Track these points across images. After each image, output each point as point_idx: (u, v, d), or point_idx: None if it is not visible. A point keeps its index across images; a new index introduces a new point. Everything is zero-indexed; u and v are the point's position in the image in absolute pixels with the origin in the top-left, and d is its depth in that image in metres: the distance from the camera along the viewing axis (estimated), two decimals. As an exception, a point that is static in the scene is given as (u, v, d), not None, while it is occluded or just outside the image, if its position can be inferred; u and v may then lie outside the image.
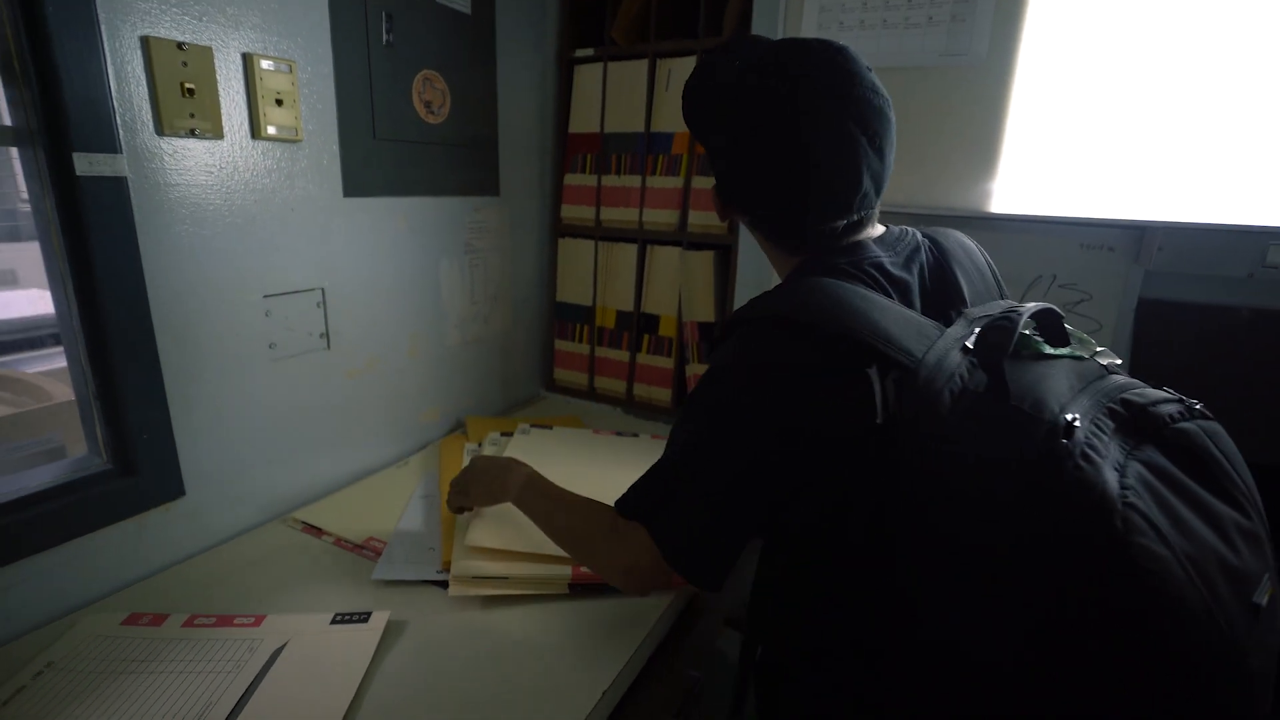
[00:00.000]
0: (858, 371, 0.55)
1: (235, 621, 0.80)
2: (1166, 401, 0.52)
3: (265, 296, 0.97)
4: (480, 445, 1.27)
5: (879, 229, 0.71)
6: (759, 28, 1.18)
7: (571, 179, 1.52)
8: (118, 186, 0.78)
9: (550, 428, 1.36)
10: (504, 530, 0.91)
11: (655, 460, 0.69)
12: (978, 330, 0.55)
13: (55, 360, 1.55)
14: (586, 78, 1.47)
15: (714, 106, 0.69)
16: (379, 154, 1.11)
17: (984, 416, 0.50)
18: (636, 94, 1.40)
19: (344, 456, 1.15)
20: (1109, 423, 0.49)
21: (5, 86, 0.71)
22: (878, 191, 0.66)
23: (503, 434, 1.31)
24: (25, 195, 0.83)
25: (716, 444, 0.62)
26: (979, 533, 0.48)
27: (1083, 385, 0.52)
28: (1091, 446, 0.46)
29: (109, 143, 0.76)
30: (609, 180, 1.47)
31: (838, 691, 0.63)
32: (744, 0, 1.27)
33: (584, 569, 0.87)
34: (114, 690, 0.69)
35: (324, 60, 1.00)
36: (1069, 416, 0.47)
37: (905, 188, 1.07)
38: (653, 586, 0.76)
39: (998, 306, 0.63)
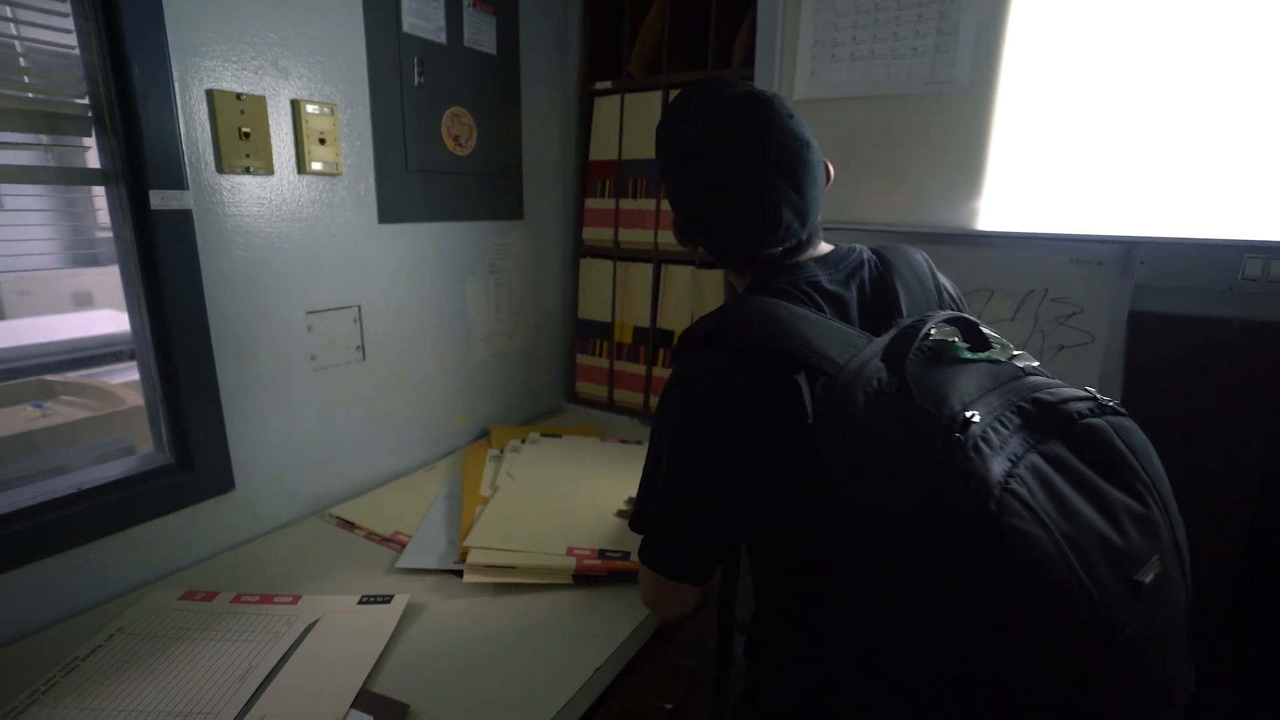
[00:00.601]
0: (788, 379, 0.62)
1: (275, 600, 0.90)
2: (1078, 400, 0.56)
3: (308, 313, 1.09)
4: (502, 452, 1.36)
5: (825, 248, 0.78)
6: (760, 60, 1.26)
7: (592, 203, 1.62)
8: (185, 218, 0.90)
9: (560, 436, 1.45)
10: (504, 529, 1.00)
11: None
12: (891, 339, 0.61)
13: (126, 373, 1.72)
14: (606, 109, 1.58)
15: (665, 153, 0.78)
16: (411, 184, 1.23)
17: (892, 415, 0.55)
18: (651, 123, 1.48)
19: (376, 459, 1.25)
20: (1015, 419, 0.54)
21: (98, 136, 0.84)
22: (803, 222, 0.73)
23: (522, 441, 1.40)
24: (102, 226, 0.97)
25: (676, 454, 0.69)
26: (891, 527, 0.54)
27: (994, 385, 0.57)
28: (985, 439, 0.51)
29: (178, 180, 0.89)
30: (626, 204, 1.56)
31: (801, 676, 0.69)
32: (748, 35, 1.35)
33: (589, 560, 0.95)
34: (173, 652, 0.79)
35: (362, 102, 1.12)
36: (967, 413, 0.52)
37: (896, 208, 1.13)
38: (672, 606, 0.78)
39: (939, 313, 0.68)
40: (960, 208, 1.08)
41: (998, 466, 0.50)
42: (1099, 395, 0.57)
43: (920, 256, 0.79)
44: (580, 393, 1.73)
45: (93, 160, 0.88)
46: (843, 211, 1.18)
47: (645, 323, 1.58)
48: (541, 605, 0.90)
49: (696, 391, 0.68)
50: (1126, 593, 0.50)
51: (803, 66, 1.15)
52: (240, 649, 0.80)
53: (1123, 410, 0.57)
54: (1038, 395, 0.56)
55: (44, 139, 0.82)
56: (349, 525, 1.10)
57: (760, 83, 1.28)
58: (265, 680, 0.75)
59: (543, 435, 1.44)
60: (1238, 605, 1.09)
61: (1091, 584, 0.48)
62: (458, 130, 1.31)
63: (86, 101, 0.83)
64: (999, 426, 0.53)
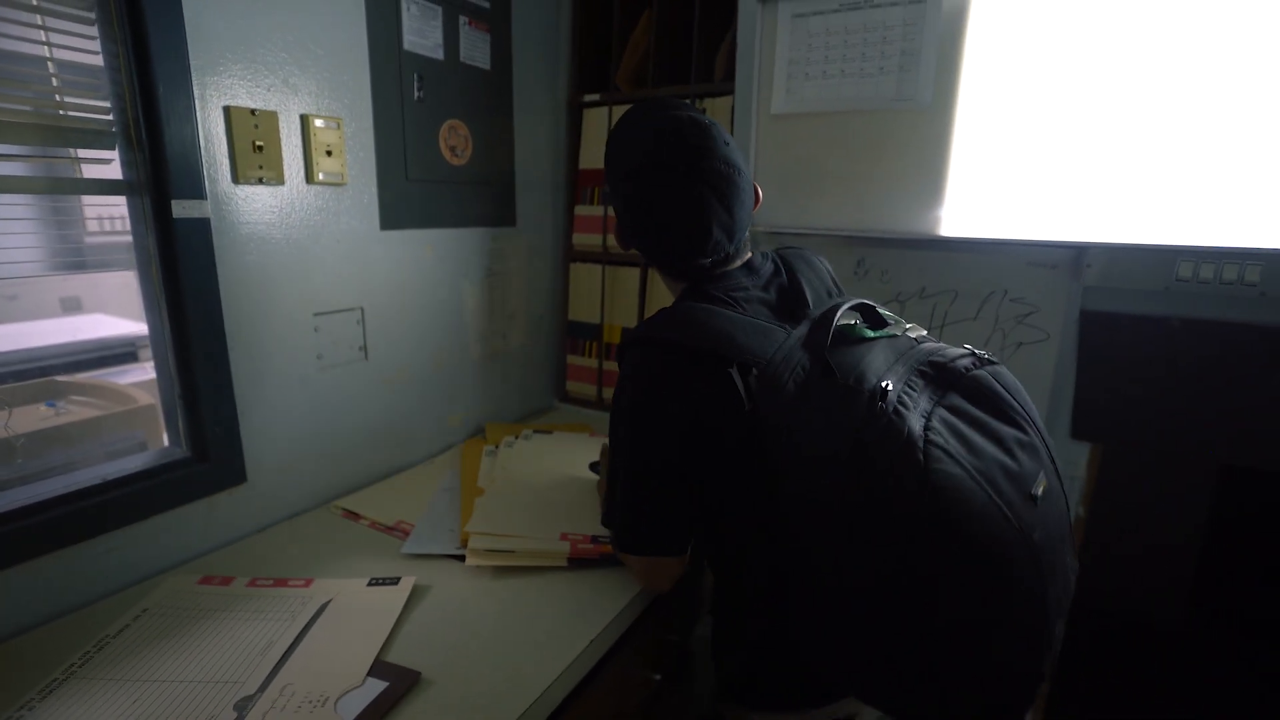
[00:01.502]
0: (722, 374, 0.72)
1: (289, 583, 0.96)
2: (962, 357, 0.68)
3: (315, 315, 1.15)
4: (497, 448, 1.43)
5: (746, 256, 0.87)
6: (740, 77, 1.35)
7: (581, 210, 1.70)
8: (203, 226, 0.96)
9: (551, 433, 1.52)
10: (502, 517, 1.06)
11: None
12: (808, 329, 0.72)
13: (129, 374, 1.77)
14: (594, 120, 1.65)
15: (612, 166, 0.87)
16: (411, 193, 1.30)
17: (820, 395, 0.66)
18: (637, 134, 1.57)
19: (378, 454, 1.31)
20: (919, 381, 0.66)
21: (124, 150, 0.90)
22: (730, 238, 0.82)
23: (516, 437, 1.47)
24: (90, 233, 1.03)
25: (631, 444, 0.79)
26: (831, 491, 0.63)
27: (897, 357, 0.68)
28: (902, 403, 0.63)
29: (198, 191, 0.95)
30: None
31: (760, 630, 0.80)
32: (729, 52, 1.44)
33: (582, 545, 1.02)
34: (197, 629, 0.85)
35: (365, 116, 1.19)
36: (884, 384, 0.63)
37: (866, 215, 1.21)
38: (659, 579, 0.88)
39: (841, 300, 0.78)
40: (925, 215, 1.17)
41: (916, 423, 0.61)
42: (977, 350, 0.70)
43: (810, 253, 0.91)
44: (570, 392, 1.80)
45: (109, 172, 0.94)
46: (815, 219, 1.26)
47: (633, 324, 1.65)
48: (539, 586, 0.97)
49: (642, 390, 0.78)
50: (1027, 505, 0.62)
51: (779, 84, 1.24)
52: (260, 626, 0.86)
53: (995, 360, 0.70)
54: (932, 358, 0.67)
55: (73, 153, 0.88)
56: (354, 516, 1.17)
57: (740, 97, 1.36)
58: (286, 652, 0.81)
59: (535, 432, 1.51)
60: (1198, 595, 1.18)
61: (1002, 503, 0.60)
62: (454, 141, 1.38)
63: (111, 118, 0.89)
64: (909, 390, 0.64)
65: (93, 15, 0.88)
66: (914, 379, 0.66)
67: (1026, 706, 0.66)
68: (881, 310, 0.76)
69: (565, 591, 0.96)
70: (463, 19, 1.35)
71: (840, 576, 0.65)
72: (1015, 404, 0.67)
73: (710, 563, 0.87)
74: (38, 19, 0.84)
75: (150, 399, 1.34)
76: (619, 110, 1.59)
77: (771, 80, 1.25)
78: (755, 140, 1.30)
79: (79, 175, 0.90)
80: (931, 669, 0.64)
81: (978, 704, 0.65)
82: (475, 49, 1.39)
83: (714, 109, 1.46)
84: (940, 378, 0.67)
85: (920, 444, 0.60)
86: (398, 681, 0.77)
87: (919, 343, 0.72)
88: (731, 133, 1.39)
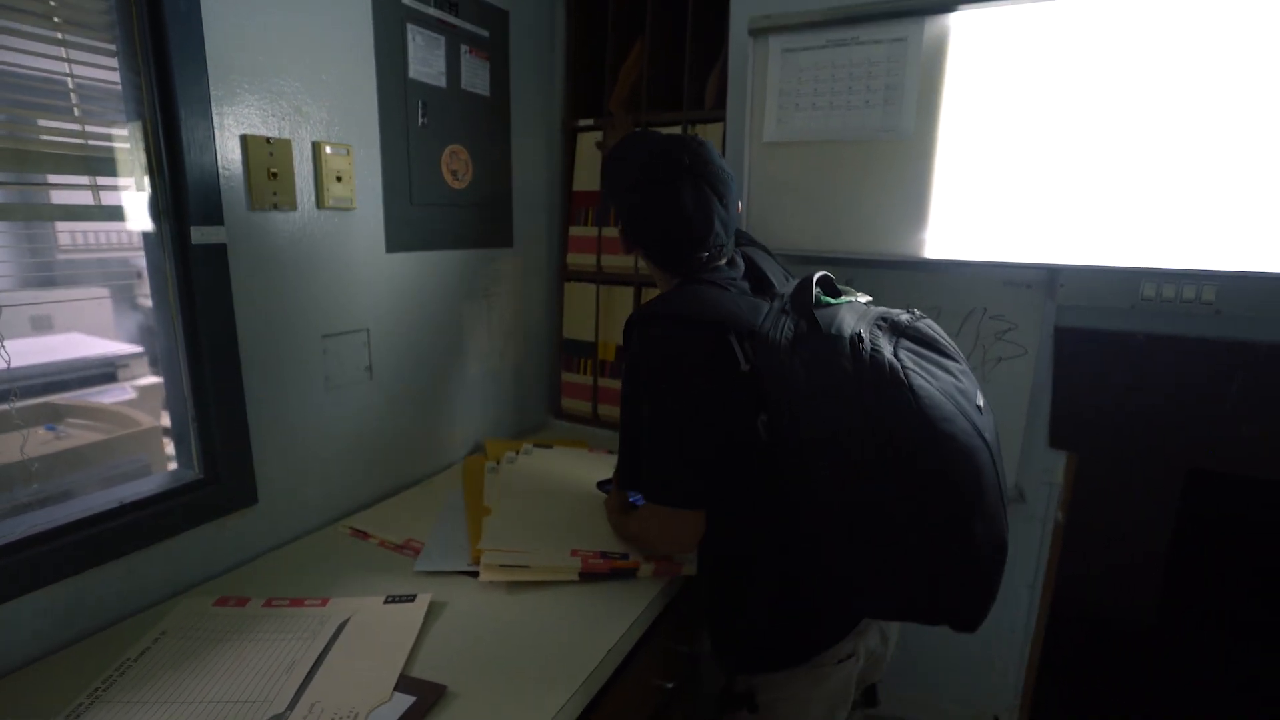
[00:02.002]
0: (724, 339, 0.86)
1: (306, 602, 0.97)
2: (905, 314, 0.87)
3: (323, 337, 1.17)
4: (498, 464, 1.45)
5: (730, 254, 1.01)
6: (732, 107, 1.41)
7: (575, 230, 1.74)
8: (220, 251, 0.98)
9: (551, 447, 1.56)
10: (512, 536, 1.10)
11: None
12: (789, 299, 0.89)
13: (109, 395, 1.77)
14: (587, 143, 1.70)
15: (624, 178, 1.00)
16: (414, 216, 1.33)
17: (809, 344, 0.81)
18: (631, 158, 1.62)
19: (383, 473, 1.33)
20: (878, 331, 0.81)
21: (149, 178, 0.92)
22: (727, 232, 0.97)
23: (516, 453, 1.50)
24: (63, 249, 1.03)
25: (655, 405, 0.91)
26: (832, 421, 0.78)
27: (859, 316, 0.84)
28: (875, 344, 0.79)
29: (216, 217, 0.97)
30: (608, 231, 1.69)
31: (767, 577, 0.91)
32: (719, 80, 1.50)
33: (593, 560, 1.05)
34: (219, 650, 0.86)
35: (373, 143, 1.22)
36: (858, 332, 0.80)
37: (854, 239, 1.28)
38: (685, 535, 0.95)
39: (792, 284, 0.94)
40: (909, 238, 1.24)
41: (890, 356, 0.78)
42: (914, 310, 0.89)
43: (762, 251, 1.11)
44: (565, 408, 1.83)
45: (117, 198, 0.95)
46: (806, 241, 1.32)
47: (627, 342, 1.69)
48: (552, 600, 1.00)
49: (662, 355, 0.90)
50: (976, 412, 0.79)
51: (770, 114, 1.30)
52: (281, 645, 0.88)
53: (925, 315, 0.89)
54: (883, 316, 0.85)
55: (95, 180, 0.89)
56: (363, 534, 1.18)
57: (733, 126, 1.43)
58: (310, 671, 0.83)
59: (535, 446, 1.54)
60: (1169, 594, 1.26)
61: (958, 409, 0.76)
62: (456, 166, 1.41)
63: (129, 147, 0.91)
64: (876, 334, 0.81)
65: (114, 47, 0.90)
66: (875, 329, 0.82)
67: (1000, 577, 0.80)
68: (840, 285, 0.93)
69: (578, 605, 0.99)
70: (464, 47, 1.39)
71: (844, 493, 0.78)
72: (948, 344, 0.86)
73: (718, 532, 0.94)
74: (62, 51, 0.85)
75: (151, 421, 1.33)
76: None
77: (763, 110, 1.31)
78: (748, 165, 1.36)
79: (98, 203, 0.91)
80: (927, 561, 0.77)
81: (964, 584, 0.79)
82: (476, 76, 1.43)
83: (705, 134, 1.52)
84: (893, 328, 0.83)
85: (898, 364, 0.77)
86: (424, 696, 0.79)
87: (870, 305, 0.90)
88: (724, 157, 1.46)
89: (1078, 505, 1.29)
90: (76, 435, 1.26)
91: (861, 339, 0.79)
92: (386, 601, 0.98)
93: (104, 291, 1.32)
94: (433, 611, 0.96)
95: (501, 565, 1.04)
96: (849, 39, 1.21)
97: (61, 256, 1.19)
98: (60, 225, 1.05)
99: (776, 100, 1.29)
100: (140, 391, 2.20)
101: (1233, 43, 0.99)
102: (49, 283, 1.10)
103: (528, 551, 1.07)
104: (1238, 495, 1.21)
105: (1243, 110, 1.00)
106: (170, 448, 1.16)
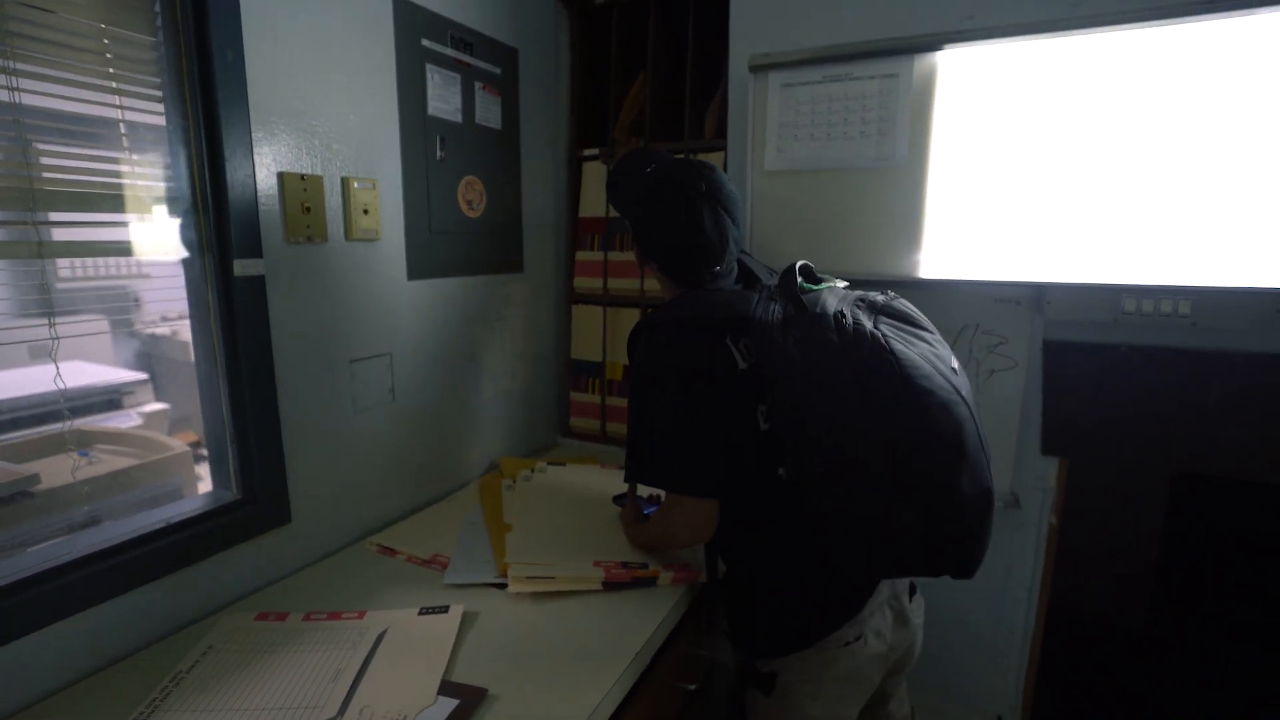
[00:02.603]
0: (721, 342, 0.97)
1: (343, 616, 1.02)
2: (879, 295, 0.96)
3: (351, 361, 1.23)
4: (514, 482, 1.50)
5: (732, 266, 1.12)
6: (733, 137, 1.49)
7: (582, 255, 1.81)
8: (260, 282, 1.04)
9: (565, 465, 1.61)
10: (535, 550, 1.15)
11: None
12: (776, 287, 0.98)
13: (113, 421, 1.81)
14: (593, 172, 1.78)
15: (636, 193, 1.10)
16: (433, 244, 1.39)
17: (797, 324, 0.90)
18: (635, 185, 1.70)
19: (405, 491, 1.38)
20: (859, 309, 0.91)
21: (194, 215, 0.98)
22: (737, 249, 1.09)
23: (532, 471, 1.55)
24: (63, 279, 1.06)
25: (667, 399, 0.98)
26: (828, 388, 0.87)
27: (839, 299, 0.93)
28: (856, 319, 0.88)
29: (255, 250, 1.03)
30: (614, 255, 1.76)
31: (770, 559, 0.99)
32: (719, 110, 1.58)
33: (615, 570, 1.10)
34: (266, 661, 0.90)
35: (395, 176, 1.28)
36: (841, 310, 0.90)
37: (854, 260, 1.35)
38: (702, 524, 1.00)
39: (776, 276, 1.03)
40: (905, 260, 1.31)
41: (871, 326, 0.88)
42: (888, 291, 0.99)
43: (748, 256, 1.20)
44: (574, 427, 1.89)
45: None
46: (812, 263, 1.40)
47: (634, 361, 1.76)
48: (578, 609, 1.05)
49: (668, 358, 0.99)
50: (951, 373, 0.88)
51: (771, 144, 1.38)
52: (325, 656, 0.92)
53: (899, 296, 0.99)
54: (862, 297, 0.95)
55: (140, 217, 0.95)
56: (390, 551, 1.22)
57: (734, 155, 1.51)
58: (356, 679, 0.87)
59: (549, 464, 1.59)
60: (1160, 596, 1.32)
61: (935, 370, 0.85)
62: (470, 196, 1.48)
63: (170, 184, 0.97)
64: (857, 312, 0.90)
65: (160, 94, 0.96)
66: (856, 309, 0.91)
67: (990, 522, 0.87)
68: (820, 274, 1.03)
69: (603, 613, 1.04)
70: (478, 84, 1.46)
71: (841, 458, 0.85)
72: (923, 319, 0.96)
73: (731, 523, 1.01)
74: (115, 100, 0.92)
75: (183, 446, 1.37)
76: (617, 164, 1.72)
77: (764, 140, 1.39)
78: (751, 192, 1.43)
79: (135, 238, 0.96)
80: (922, 513, 0.84)
81: (956, 532, 0.85)
82: (489, 111, 1.51)
83: (707, 163, 1.60)
84: (871, 307, 0.93)
85: (880, 335, 0.86)
86: (467, 699, 0.84)
87: (849, 289, 0.99)
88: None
89: (1070, 509, 1.36)
90: (107, 460, 1.30)
91: (844, 315, 0.88)
92: (421, 613, 1.02)
93: (103, 321, 1.35)
94: (466, 621, 1.00)
95: (529, 577, 1.08)
96: (844, 75, 1.30)
97: (60, 286, 1.23)
98: (63, 269, 1.09)
99: (777, 131, 1.37)
100: (145, 418, 2.23)
101: (1201, 76, 1.08)
102: (48, 312, 1.14)
103: (552, 564, 1.12)
104: (1224, 497, 1.28)
105: (1214, 136, 1.09)
106: (200, 471, 1.21)
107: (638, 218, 1.10)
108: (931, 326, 0.96)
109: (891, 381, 0.83)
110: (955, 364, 0.91)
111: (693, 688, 1.09)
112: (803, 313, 0.91)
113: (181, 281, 1.03)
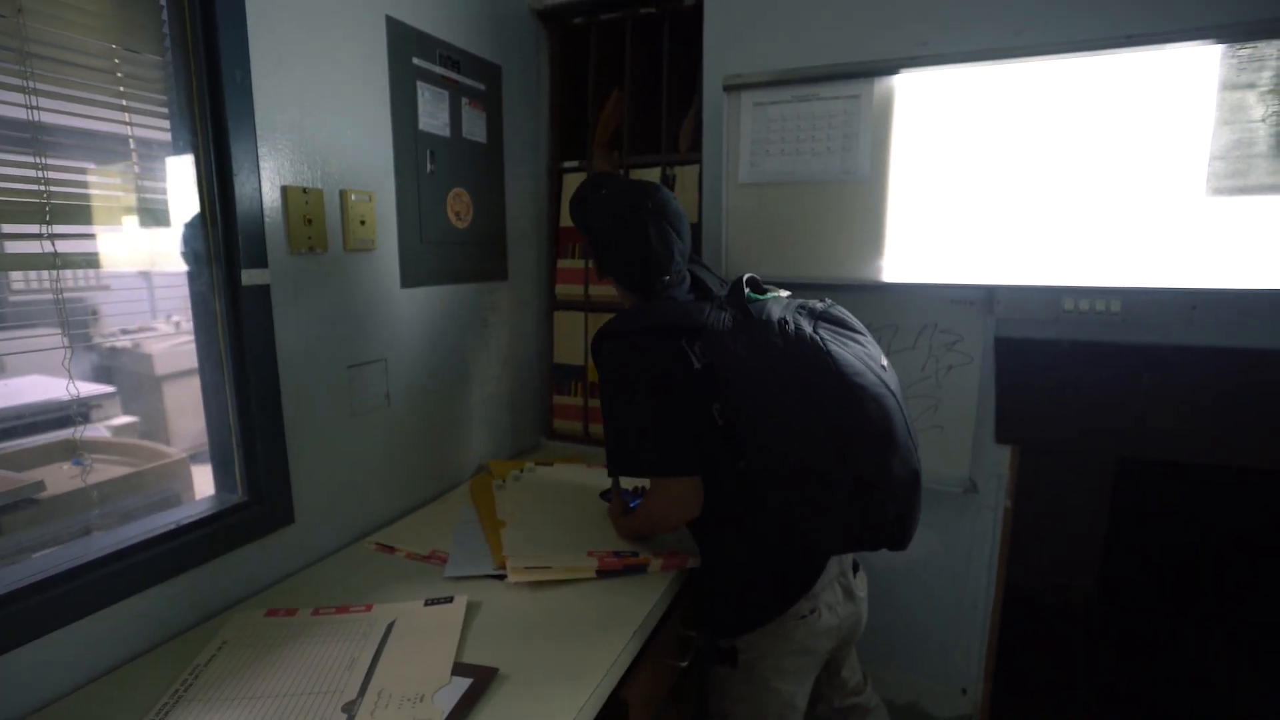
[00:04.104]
0: (676, 344, 1.05)
1: (351, 609, 1.06)
2: (818, 303, 1.07)
3: (349, 367, 1.27)
4: (504, 482, 1.56)
5: (684, 276, 1.22)
6: (708, 152, 1.58)
7: (563, 263, 1.88)
8: (265, 292, 1.08)
9: (552, 465, 1.67)
10: (530, 544, 1.21)
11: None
12: (725, 297, 1.09)
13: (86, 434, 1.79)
14: (572, 183, 1.85)
15: (595, 211, 1.20)
16: (424, 254, 1.44)
17: (745, 330, 1.00)
18: (614, 196, 1.78)
19: (400, 492, 1.42)
20: (799, 316, 1.01)
21: (202, 228, 1.02)
22: (683, 260, 1.18)
23: (521, 471, 1.61)
24: (15, 290, 1.07)
25: (632, 397, 1.08)
26: (771, 385, 0.96)
27: (783, 307, 1.03)
28: (798, 325, 0.98)
29: (261, 261, 1.07)
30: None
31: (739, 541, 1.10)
32: (694, 125, 1.68)
33: (608, 559, 1.17)
34: (280, 653, 0.95)
35: (389, 189, 1.34)
36: (784, 317, 0.99)
37: (821, 266, 1.46)
38: (688, 502, 1.09)
39: (726, 287, 1.16)
40: (869, 265, 1.42)
41: (810, 331, 0.98)
42: (825, 299, 1.10)
43: (702, 266, 1.32)
44: (557, 429, 1.95)
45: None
46: (778, 269, 1.50)
47: (616, 364, 1.83)
48: (575, 596, 1.11)
49: (630, 361, 1.08)
50: (881, 370, 0.99)
51: (744, 158, 1.48)
52: (338, 646, 0.97)
53: (836, 303, 1.10)
54: (802, 304, 1.06)
55: (155, 231, 0.99)
56: (388, 549, 1.27)
57: (709, 168, 1.60)
58: (371, 665, 0.92)
59: (537, 465, 1.65)
60: (1106, 575, 1.45)
61: (866, 367, 0.96)
62: (458, 207, 1.54)
63: (175, 198, 1.01)
64: (798, 318, 1.00)
65: (166, 110, 1.00)
66: (797, 316, 1.02)
67: (918, 501, 0.98)
68: (765, 285, 1.13)
69: (599, 598, 1.10)
70: (464, 100, 1.53)
71: (788, 452, 0.95)
72: (856, 323, 1.08)
73: (700, 515, 1.11)
74: (125, 117, 0.96)
75: (179, 453, 1.39)
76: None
77: (738, 154, 1.49)
78: (726, 203, 1.53)
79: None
80: (859, 498, 0.94)
81: (890, 511, 0.95)
82: (474, 125, 1.57)
83: (683, 175, 1.69)
84: (811, 313, 1.04)
85: (819, 338, 0.97)
86: (480, 677, 0.90)
87: (791, 298, 1.10)
88: (702, 197, 1.63)
89: (1022, 492, 1.48)
90: (103, 469, 1.32)
91: (787, 322, 0.98)
92: (427, 604, 1.07)
93: (58, 335, 1.31)
94: (470, 610, 1.06)
95: (527, 567, 1.15)
96: (811, 95, 1.40)
97: (12, 298, 1.23)
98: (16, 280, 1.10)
99: (749, 146, 1.47)
100: (114, 431, 2.20)
101: (1125, 99, 1.22)
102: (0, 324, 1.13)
103: (547, 556, 1.18)
104: (1161, 479, 1.41)
105: (1138, 153, 1.22)
106: (197, 477, 1.24)
107: (595, 235, 1.20)
108: (864, 329, 1.07)
109: (829, 378, 0.93)
110: (885, 362, 1.03)
111: (684, 665, 1.16)
112: (750, 320, 1.01)
113: (185, 293, 1.07)
